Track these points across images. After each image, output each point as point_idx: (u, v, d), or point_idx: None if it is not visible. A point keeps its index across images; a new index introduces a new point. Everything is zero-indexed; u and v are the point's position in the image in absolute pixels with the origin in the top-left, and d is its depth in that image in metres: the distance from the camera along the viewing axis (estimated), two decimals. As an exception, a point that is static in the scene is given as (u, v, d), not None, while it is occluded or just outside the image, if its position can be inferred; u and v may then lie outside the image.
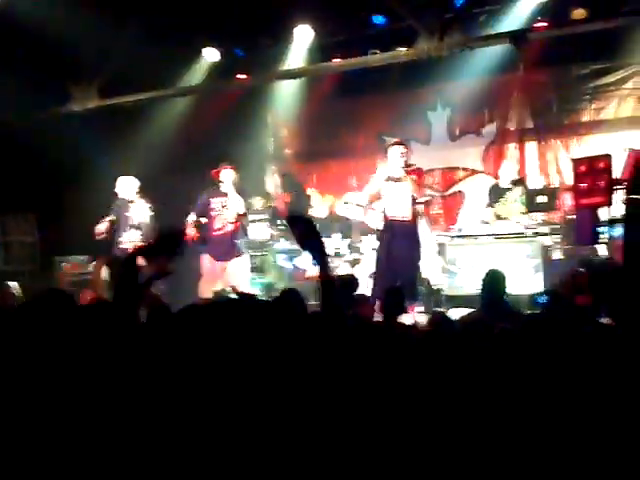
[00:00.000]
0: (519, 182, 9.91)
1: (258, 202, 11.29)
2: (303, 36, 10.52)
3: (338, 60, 10.76)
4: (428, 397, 2.66)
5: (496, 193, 9.82)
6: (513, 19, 9.47)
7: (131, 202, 9.39)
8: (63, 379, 2.64)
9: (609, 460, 2.30)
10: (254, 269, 10.08)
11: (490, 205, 9.79)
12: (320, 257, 3.07)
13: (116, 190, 9.44)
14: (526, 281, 8.68)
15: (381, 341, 3.12)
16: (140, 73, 10.42)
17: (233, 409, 2.24)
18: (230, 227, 9.02)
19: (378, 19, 10.12)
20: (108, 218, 9.21)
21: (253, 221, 10.73)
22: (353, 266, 10.24)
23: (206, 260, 9.00)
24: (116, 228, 9.26)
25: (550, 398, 2.54)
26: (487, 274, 5.68)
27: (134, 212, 9.34)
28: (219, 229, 9.03)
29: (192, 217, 8.92)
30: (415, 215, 8.51)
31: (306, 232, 3.09)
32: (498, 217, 9.55)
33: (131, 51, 10.03)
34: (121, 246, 9.22)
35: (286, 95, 11.98)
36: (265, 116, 12.48)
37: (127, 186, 9.45)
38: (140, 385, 2.45)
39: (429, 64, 10.84)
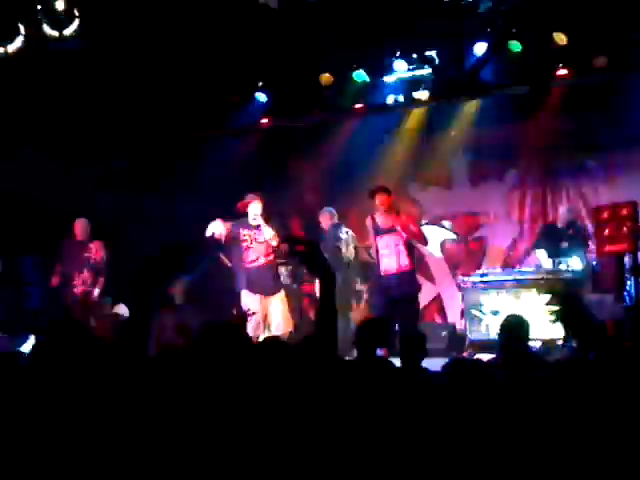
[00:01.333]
0: (573, 224, 9.93)
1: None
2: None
3: (360, 105, 10.86)
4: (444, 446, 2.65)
5: (554, 235, 9.83)
6: (533, 66, 9.51)
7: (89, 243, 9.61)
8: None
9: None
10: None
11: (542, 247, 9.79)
12: (324, 275, 2.99)
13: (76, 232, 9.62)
14: (547, 328, 8.60)
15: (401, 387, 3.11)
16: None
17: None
18: (263, 260, 8.63)
19: (400, 65, 10.18)
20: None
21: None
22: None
23: (244, 295, 8.70)
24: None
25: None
26: (507, 318, 5.60)
27: (92, 253, 9.57)
28: (253, 261, 8.65)
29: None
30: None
31: (310, 253, 3.00)
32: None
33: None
34: (75, 289, 9.48)
35: (307, 142, 12.06)
36: (286, 161, 12.57)
37: (84, 228, 9.66)
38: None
39: (450, 110, 10.97)
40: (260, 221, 8.58)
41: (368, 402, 2.99)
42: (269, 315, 8.49)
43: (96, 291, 9.66)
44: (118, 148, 11.33)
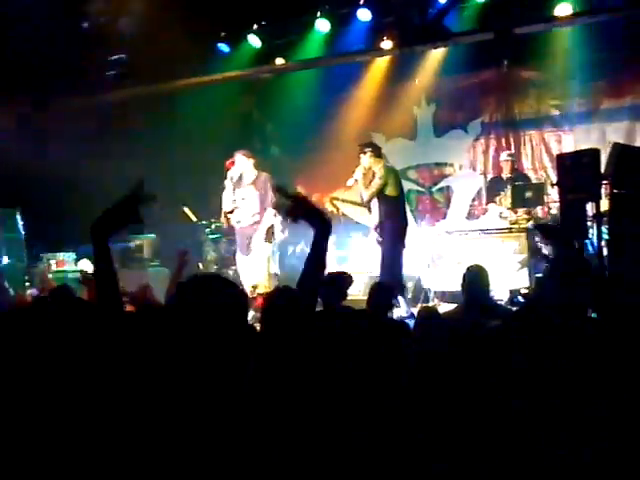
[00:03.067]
0: (519, 175, 9.97)
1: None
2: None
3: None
4: (416, 392, 2.65)
5: (498, 186, 9.86)
6: (497, 14, 9.45)
7: None
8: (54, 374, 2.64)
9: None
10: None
11: (492, 200, 9.82)
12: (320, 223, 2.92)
13: None
14: (512, 277, 8.70)
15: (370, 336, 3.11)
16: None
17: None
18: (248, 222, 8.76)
19: (364, 14, 10.05)
20: None
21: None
22: (340, 264, 10.21)
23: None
24: None
25: (543, 394, 2.54)
26: (468, 269, 5.65)
27: None
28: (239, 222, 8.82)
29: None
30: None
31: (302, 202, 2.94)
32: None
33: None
34: None
35: (271, 90, 11.95)
36: (251, 112, 12.43)
37: None
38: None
39: (414, 59, 10.89)
40: (250, 177, 8.71)
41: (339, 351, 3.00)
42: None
43: None
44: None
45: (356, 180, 8.68)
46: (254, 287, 8.45)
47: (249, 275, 8.71)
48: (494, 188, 10.02)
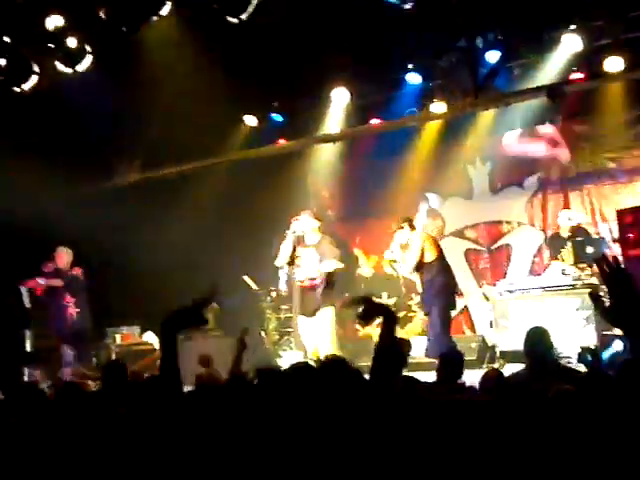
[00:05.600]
0: (580, 230, 9.91)
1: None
2: (340, 98, 10.63)
3: (376, 121, 10.87)
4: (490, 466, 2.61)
5: (558, 243, 9.82)
6: (548, 71, 9.47)
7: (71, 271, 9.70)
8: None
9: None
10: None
11: (554, 257, 9.76)
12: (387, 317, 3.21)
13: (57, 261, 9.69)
14: (578, 334, 8.54)
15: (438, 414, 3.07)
16: (181, 144, 10.64)
17: None
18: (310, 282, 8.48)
19: (413, 78, 10.17)
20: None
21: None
22: (404, 326, 10.16)
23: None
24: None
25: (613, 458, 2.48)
26: (528, 333, 5.61)
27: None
28: (301, 281, 8.56)
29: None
30: None
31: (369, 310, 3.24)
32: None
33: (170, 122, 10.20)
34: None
35: (325, 158, 12.11)
36: (305, 179, 12.58)
37: (67, 257, 9.75)
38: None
39: (466, 120, 10.94)
40: (312, 240, 8.54)
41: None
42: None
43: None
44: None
45: (390, 260, 9.02)
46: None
47: (314, 340, 8.44)
48: (554, 245, 9.95)
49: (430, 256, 8.71)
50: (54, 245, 9.86)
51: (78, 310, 9.62)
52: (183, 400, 2.88)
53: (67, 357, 9.42)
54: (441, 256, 8.86)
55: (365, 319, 3.27)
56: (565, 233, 9.86)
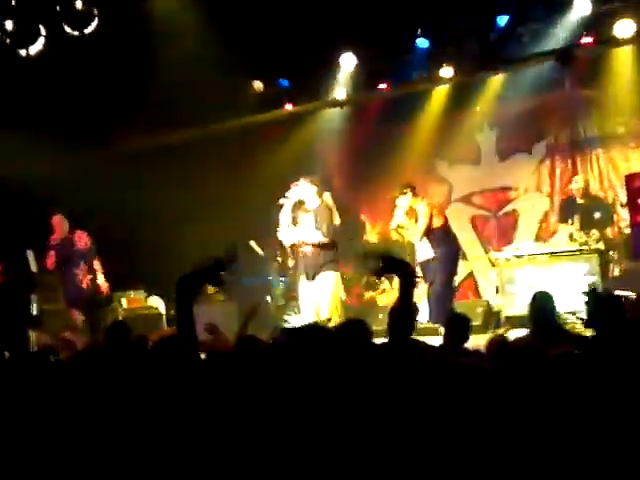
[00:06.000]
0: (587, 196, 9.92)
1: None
2: (348, 63, 10.57)
3: (384, 86, 10.82)
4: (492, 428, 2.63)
5: (568, 209, 9.86)
6: (558, 36, 9.40)
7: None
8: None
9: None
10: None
11: (563, 221, 9.82)
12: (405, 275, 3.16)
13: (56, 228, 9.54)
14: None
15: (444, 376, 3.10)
16: (186, 110, 10.60)
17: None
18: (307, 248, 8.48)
19: (422, 43, 10.10)
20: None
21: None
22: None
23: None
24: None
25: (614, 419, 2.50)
26: (533, 297, 5.62)
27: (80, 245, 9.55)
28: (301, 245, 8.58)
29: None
30: None
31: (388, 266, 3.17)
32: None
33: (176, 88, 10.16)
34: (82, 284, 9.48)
35: (332, 123, 12.06)
36: (312, 145, 12.53)
37: (64, 224, 9.59)
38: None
39: (475, 85, 10.87)
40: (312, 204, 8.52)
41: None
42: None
43: (100, 278, 9.62)
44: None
45: (399, 225, 8.97)
46: (328, 320, 8.31)
47: (315, 303, 8.40)
48: (565, 210, 9.93)
49: (437, 222, 8.76)
50: (57, 210, 9.83)
51: (91, 277, 9.56)
52: (199, 363, 2.90)
53: (76, 322, 9.46)
54: (447, 224, 8.90)
55: (380, 274, 3.25)
56: (578, 198, 9.83)
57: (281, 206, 8.51)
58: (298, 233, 8.47)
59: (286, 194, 8.54)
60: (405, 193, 8.87)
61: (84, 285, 9.54)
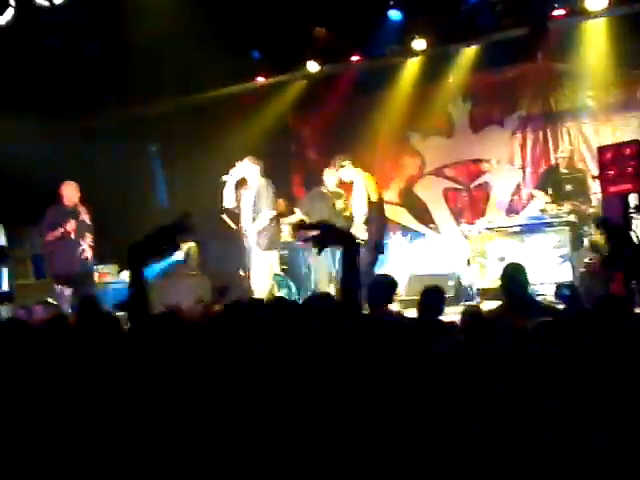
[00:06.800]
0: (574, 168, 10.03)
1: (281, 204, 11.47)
2: (320, 35, 10.49)
3: (357, 58, 10.76)
4: (463, 399, 2.64)
5: (549, 178, 9.94)
6: (530, 7, 9.39)
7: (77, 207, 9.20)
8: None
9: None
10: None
11: (544, 190, 9.84)
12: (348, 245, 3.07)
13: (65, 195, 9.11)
14: (555, 271, 8.65)
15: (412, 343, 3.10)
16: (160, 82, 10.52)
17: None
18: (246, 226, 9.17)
19: (395, 15, 10.05)
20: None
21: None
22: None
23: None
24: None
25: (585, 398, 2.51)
26: (505, 268, 5.67)
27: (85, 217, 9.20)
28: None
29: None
30: None
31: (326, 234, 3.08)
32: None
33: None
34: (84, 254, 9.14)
35: (305, 95, 11.99)
36: (284, 118, 12.46)
37: (73, 192, 9.15)
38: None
39: (446, 57, 10.85)
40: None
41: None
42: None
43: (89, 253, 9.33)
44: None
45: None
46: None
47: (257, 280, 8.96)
48: (545, 179, 10.02)
49: (374, 195, 9.06)
50: (34, 187, 9.63)
51: (88, 251, 9.19)
52: (151, 328, 2.87)
53: (60, 297, 9.00)
54: (381, 197, 9.27)
55: (321, 244, 3.07)
56: (562, 168, 9.89)
57: (224, 183, 8.99)
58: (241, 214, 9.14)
59: (230, 171, 8.98)
60: (343, 166, 9.16)
61: (84, 257, 9.14)
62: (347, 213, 9.35)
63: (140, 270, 2.82)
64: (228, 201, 9.13)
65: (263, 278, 8.93)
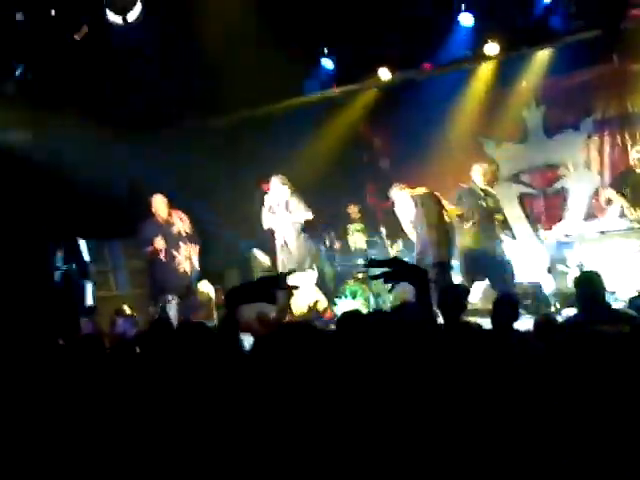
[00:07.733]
0: None
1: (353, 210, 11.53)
2: (391, 43, 10.50)
3: (428, 66, 10.72)
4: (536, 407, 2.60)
5: (625, 180, 9.62)
6: (605, 8, 9.21)
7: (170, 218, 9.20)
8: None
9: None
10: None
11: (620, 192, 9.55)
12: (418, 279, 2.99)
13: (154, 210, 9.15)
14: (637, 277, 8.42)
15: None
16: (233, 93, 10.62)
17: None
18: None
19: (466, 19, 9.96)
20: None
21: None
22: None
23: None
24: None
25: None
26: (579, 277, 5.52)
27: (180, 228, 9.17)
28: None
29: None
30: None
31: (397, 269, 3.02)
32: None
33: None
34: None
35: (377, 104, 11.98)
36: (356, 128, 12.47)
37: (161, 204, 9.19)
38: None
39: (520, 61, 10.71)
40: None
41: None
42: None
43: (195, 260, 9.27)
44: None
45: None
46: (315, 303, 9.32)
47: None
48: (622, 181, 9.71)
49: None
50: (104, 195, 9.80)
51: (184, 263, 9.16)
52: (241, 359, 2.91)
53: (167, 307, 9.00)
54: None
55: (394, 281, 2.97)
56: (637, 169, 9.62)
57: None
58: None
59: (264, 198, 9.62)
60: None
61: (182, 271, 9.10)
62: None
63: (234, 312, 2.88)
64: (266, 222, 9.58)
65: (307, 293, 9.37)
